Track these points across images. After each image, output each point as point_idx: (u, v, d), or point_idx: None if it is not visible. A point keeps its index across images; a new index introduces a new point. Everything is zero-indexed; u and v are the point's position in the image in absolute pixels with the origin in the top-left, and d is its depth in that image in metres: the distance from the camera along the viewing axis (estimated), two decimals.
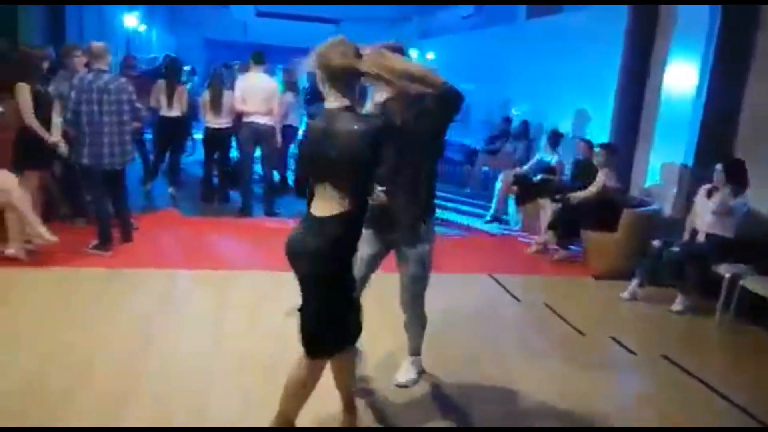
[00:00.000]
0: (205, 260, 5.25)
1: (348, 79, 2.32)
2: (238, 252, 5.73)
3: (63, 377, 3.15)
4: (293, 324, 2.51)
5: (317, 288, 2.39)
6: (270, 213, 6.87)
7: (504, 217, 7.48)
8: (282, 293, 3.86)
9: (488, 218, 7.49)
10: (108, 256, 5.06)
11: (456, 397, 3.29)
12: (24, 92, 4.91)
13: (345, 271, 2.46)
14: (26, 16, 8.04)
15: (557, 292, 5.21)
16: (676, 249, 4.93)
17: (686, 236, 5.19)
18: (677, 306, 4.85)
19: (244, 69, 7.07)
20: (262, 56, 6.65)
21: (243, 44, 18.42)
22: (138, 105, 5.37)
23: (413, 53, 16.97)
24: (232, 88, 6.79)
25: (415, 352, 3.40)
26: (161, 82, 7.03)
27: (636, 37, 6.54)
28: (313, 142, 2.37)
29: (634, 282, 5.08)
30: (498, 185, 7.53)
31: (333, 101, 2.33)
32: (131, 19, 13.44)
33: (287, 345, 2.89)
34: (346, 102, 2.33)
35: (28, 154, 5.00)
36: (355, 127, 2.26)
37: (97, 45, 5.01)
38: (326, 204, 2.35)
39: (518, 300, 4.93)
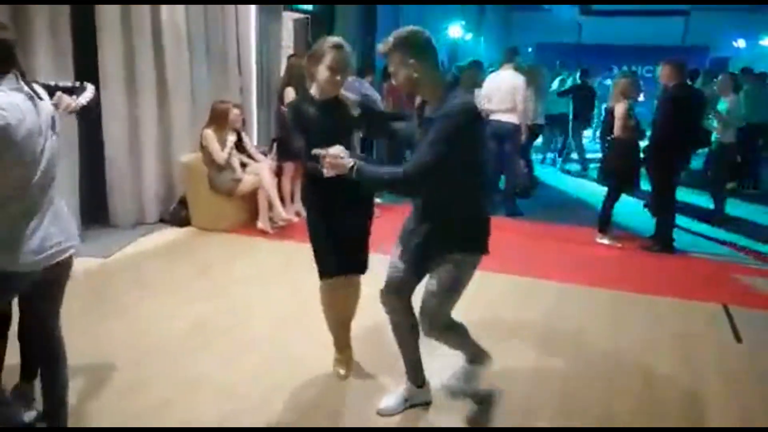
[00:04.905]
0: None
1: None
2: None
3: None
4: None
5: None
6: (512, 213, 6.75)
7: None
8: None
9: None
10: None
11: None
12: (287, 94, 5.93)
13: None
14: (342, 19, 9.16)
15: None
16: None
17: None
18: None
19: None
20: (510, 52, 6.61)
21: (575, 46, 17.92)
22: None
23: None
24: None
25: None
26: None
27: None
28: None
29: None
30: None
31: None
32: (455, 30, 14.41)
33: None
34: None
35: (286, 147, 6.01)
36: None
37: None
38: None
39: (739, 341, 3.89)
